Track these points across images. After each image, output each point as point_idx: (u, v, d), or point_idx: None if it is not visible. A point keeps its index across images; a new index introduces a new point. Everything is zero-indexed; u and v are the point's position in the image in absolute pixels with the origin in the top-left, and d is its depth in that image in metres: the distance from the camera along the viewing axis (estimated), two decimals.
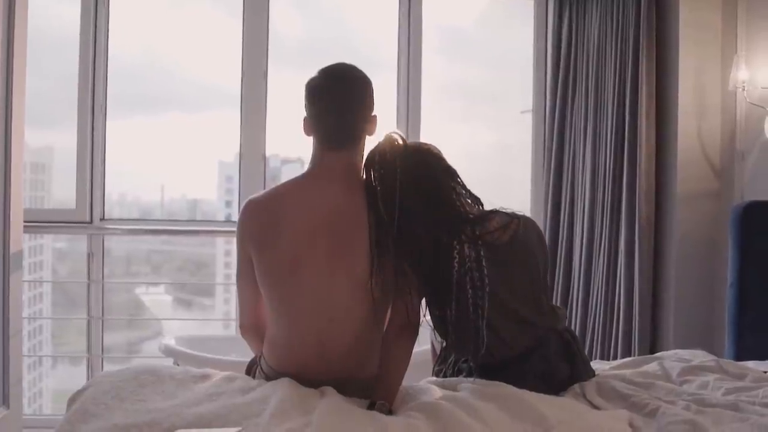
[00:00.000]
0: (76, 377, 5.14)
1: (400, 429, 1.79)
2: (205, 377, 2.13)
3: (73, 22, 4.30)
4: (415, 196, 2.15)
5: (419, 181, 2.18)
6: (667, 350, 3.57)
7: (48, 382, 5.07)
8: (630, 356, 3.71)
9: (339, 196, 2.14)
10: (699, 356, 2.57)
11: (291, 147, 4.52)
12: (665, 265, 3.85)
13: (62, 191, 4.79)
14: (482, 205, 2.30)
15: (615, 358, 3.77)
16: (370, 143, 2.22)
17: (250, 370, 2.36)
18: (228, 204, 5.43)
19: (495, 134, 5.09)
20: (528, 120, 4.68)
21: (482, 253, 2.14)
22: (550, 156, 4.35)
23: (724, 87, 3.75)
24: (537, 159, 4.55)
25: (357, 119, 2.18)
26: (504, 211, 2.28)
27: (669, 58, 3.85)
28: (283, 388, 1.98)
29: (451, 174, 2.26)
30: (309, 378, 2.07)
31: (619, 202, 3.97)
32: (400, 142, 2.21)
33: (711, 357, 2.58)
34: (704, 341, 3.52)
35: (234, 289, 5.37)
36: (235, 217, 5.23)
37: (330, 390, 2.03)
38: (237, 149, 4.43)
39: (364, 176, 2.20)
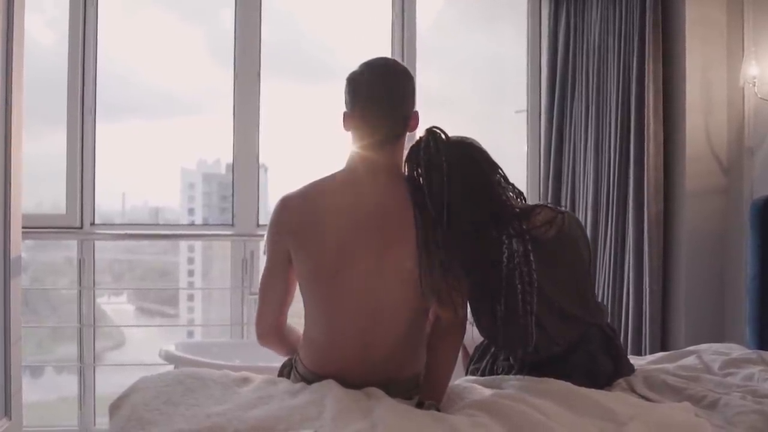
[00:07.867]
0: (36, 388, 4.99)
1: (469, 429, 1.73)
2: (245, 380, 2.06)
3: (39, 27, 4.25)
4: (462, 191, 2.10)
5: (466, 176, 2.14)
6: (677, 346, 3.58)
7: None
8: (641, 354, 3.70)
9: (383, 192, 2.08)
10: (735, 349, 2.57)
11: None
12: (674, 261, 3.85)
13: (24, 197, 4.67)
14: (525, 198, 2.28)
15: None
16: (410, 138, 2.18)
17: (282, 372, 2.29)
18: (191, 211, 5.36)
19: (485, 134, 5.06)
20: (519, 120, 4.65)
21: (530, 247, 2.11)
22: (548, 156, 4.31)
23: (730, 83, 3.76)
24: (533, 159, 4.52)
25: (399, 114, 2.12)
26: (549, 206, 2.25)
27: (675, 56, 3.86)
28: (333, 389, 1.92)
29: (494, 168, 2.23)
30: (350, 380, 2.01)
31: (626, 199, 3.94)
32: (443, 136, 2.16)
33: (748, 350, 2.58)
34: (716, 336, 3.52)
35: (198, 296, 5.33)
36: (200, 222, 5.20)
37: (376, 391, 1.98)
38: (200, 156, 4.35)
39: (407, 171, 2.14)
